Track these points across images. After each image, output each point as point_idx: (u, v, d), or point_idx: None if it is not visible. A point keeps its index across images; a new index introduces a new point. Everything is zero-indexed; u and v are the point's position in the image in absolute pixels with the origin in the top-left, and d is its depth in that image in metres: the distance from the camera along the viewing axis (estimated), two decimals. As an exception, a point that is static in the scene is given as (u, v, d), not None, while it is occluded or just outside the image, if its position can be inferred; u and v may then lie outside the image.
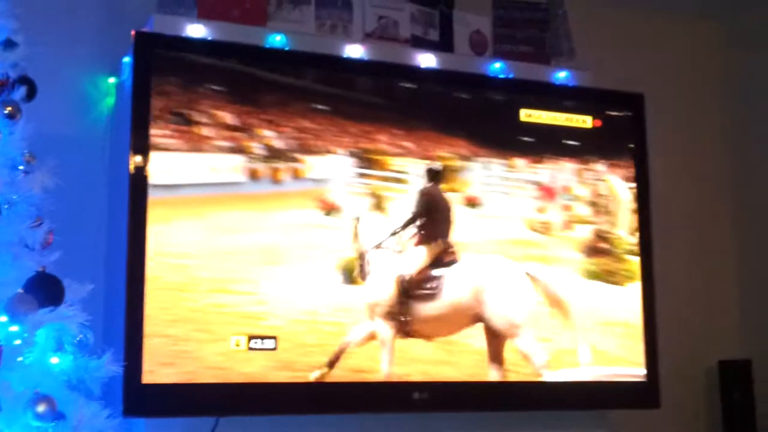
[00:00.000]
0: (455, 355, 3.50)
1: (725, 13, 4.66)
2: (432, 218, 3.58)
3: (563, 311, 3.63)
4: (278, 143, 3.49)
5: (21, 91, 2.56)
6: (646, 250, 3.87)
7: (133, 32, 3.19)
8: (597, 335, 3.73)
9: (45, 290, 2.45)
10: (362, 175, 3.66)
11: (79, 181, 3.19)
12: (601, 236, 3.84)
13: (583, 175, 3.87)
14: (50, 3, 3.34)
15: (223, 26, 3.36)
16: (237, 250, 3.37)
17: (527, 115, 3.81)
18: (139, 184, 3.10)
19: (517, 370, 3.57)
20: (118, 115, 3.37)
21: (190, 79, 3.29)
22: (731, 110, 4.65)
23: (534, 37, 4.00)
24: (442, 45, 3.81)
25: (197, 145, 3.37)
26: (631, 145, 3.94)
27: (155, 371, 3.02)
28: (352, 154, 3.63)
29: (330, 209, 3.57)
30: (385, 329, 3.40)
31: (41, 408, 2.32)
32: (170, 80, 3.22)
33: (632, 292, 3.83)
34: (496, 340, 3.53)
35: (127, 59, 3.25)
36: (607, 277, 3.82)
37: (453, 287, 3.51)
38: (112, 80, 3.40)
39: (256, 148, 3.46)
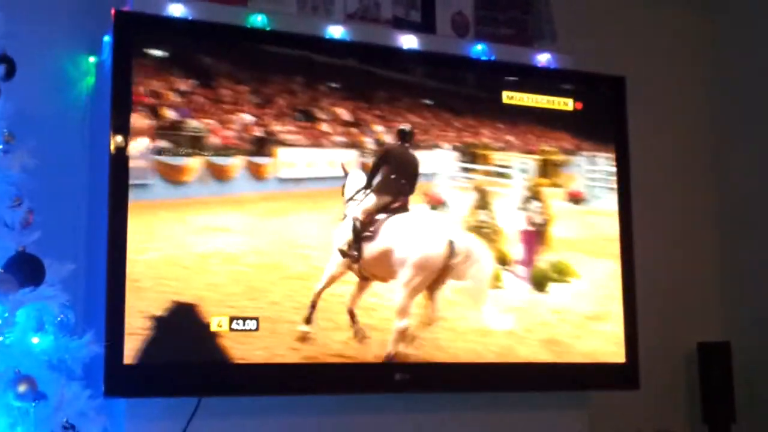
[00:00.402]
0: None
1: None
2: (391, 172, 3.57)
3: (473, 290, 3.61)
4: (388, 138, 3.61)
5: (0, 70, 2.54)
6: (626, 232, 3.89)
7: (113, 11, 3.16)
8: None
9: (25, 270, 2.45)
10: (466, 170, 3.76)
11: (59, 160, 3.18)
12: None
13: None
14: (29, -19, 3.31)
15: (203, 5, 3.33)
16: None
17: (509, 97, 3.81)
18: (119, 163, 3.07)
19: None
20: (97, 95, 3.34)
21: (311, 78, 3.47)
22: (713, 93, 4.67)
23: (516, 19, 4.00)
24: (424, 26, 3.81)
25: (318, 140, 3.50)
26: (612, 128, 3.96)
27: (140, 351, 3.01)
28: (456, 149, 3.72)
29: (436, 203, 3.68)
30: (342, 267, 3.44)
31: (22, 388, 2.32)
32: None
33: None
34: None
35: (107, 38, 3.22)
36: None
37: (386, 233, 3.51)
38: (92, 59, 3.37)
39: (369, 143, 3.58)
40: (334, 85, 3.54)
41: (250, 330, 3.21)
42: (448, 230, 3.60)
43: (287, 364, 3.25)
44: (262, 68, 3.43)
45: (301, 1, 3.58)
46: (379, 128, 3.61)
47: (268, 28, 3.42)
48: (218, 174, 3.34)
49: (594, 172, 3.97)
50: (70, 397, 2.46)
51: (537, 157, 3.88)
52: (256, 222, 3.37)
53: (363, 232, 3.49)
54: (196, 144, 3.28)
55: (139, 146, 3.13)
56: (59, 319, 2.51)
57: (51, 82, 3.32)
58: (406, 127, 3.61)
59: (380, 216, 3.52)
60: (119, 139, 3.08)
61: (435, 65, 3.74)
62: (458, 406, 3.54)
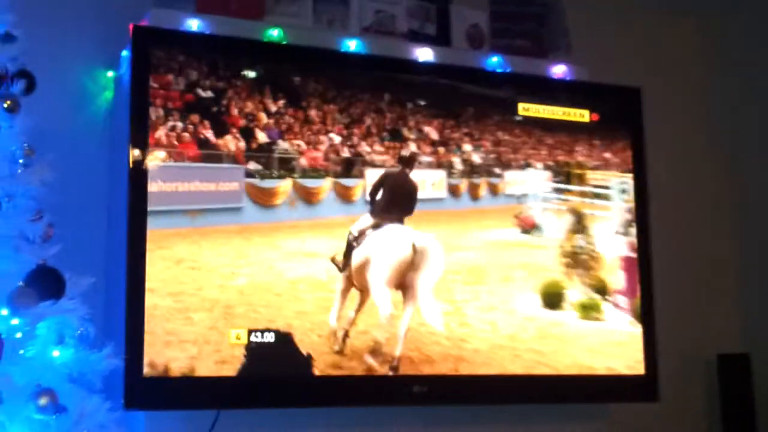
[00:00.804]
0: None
1: (722, 8, 4.66)
2: (388, 197, 3.53)
3: (411, 289, 3.49)
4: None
5: (20, 85, 2.55)
6: (644, 244, 3.87)
7: (131, 26, 3.18)
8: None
9: (46, 283, 2.45)
10: (560, 190, 3.75)
11: (79, 174, 3.21)
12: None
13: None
14: (48, -3, 3.34)
15: (220, 20, 3.35)
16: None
17: (525, 109, 3.81)
18: (138, 177, 3.08)
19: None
20: (116, 109, 3.36)
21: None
22: (729, 104, 4.65)
23: (531, 31, 4.00)
24: (439, 39, 3.81)
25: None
26: (629, 139, 3.95)
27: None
28: (548, 168, 3.72)
29: (529, 227, 3.71)
30: (339, 281, 3.42)
31: (43, 401, 2.32)
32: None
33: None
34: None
35: (125, 53, 3.25)
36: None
37: (366, 244, 3.46)
38: (110, 74, 3.39)
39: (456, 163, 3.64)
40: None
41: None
42: (412, 235, 3.51)
43: (306, 377, 3.24)
44: (282, 82, 3.45)
45: (317, 14, 3.60)
46: (468, 147, 3.65)
47: (284, 42, 3.44)
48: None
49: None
50: (90, 410, 2.46)
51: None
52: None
53: (352, 245, 3.46)
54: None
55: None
56: (79, 332, 2.52)
57: (70, 97, 3.35)
58: (406, 152, 3.59)
59: (368, 231, 3.50)
60: (137, 153, 3.09)
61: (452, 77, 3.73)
62: (476, 418, 3.53)
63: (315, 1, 3.59)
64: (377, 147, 3.53)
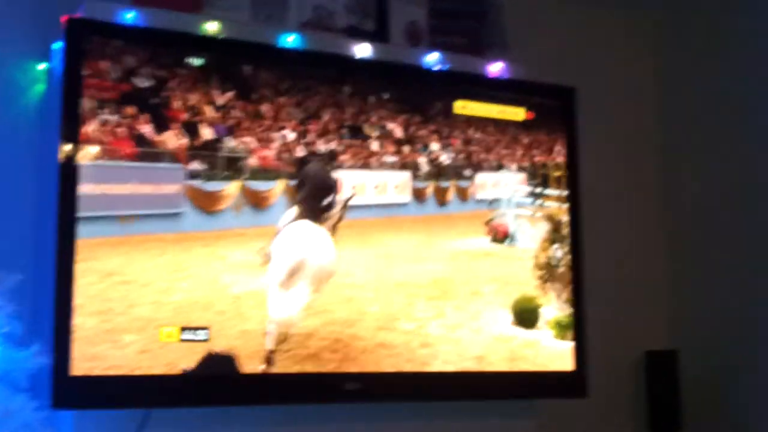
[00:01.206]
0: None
1: (658, 9, 4.72)
2: (308, 191, 3.33)
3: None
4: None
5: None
6: (575, 241, 3.88)
7: (64, 18, 3.11)
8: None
9: (-29, 281, 2.42)
10: (536, 195, 3.51)
11: (7, 168, 3.15)
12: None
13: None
14: (-22, -13, 3.26)
15: (157, 13, 3.28)
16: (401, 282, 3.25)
17: (462, 106, 3.82)
18: (68, 173, 2.97)
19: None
20: (47, 102, 3.29)
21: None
22: (661, 104, 4.72)
23: (469, 29, 4.02)
24: (378, 35, 3.81)
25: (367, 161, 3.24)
26: (562, 138, 3.96)
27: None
28: (522, 169, 3.48)
29: (501, 236, 3.47)
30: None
31: (-34, 401, 2.30)
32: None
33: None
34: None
35: (58, 45, 3.19)
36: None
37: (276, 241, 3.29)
38: (42, 66, 3.33)
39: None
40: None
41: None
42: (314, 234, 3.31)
43: (235, 375, 3.15)
44: (231, 72, 3.28)
45: (255, 8, 3.57)
46: (435, 146, 3.39)
47: (221, 36, 3.39)
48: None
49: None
50: (16, 409, 2.45)
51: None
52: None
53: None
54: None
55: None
56: (5, 329, 2.49)
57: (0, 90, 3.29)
58: (324, 148, 3.40)
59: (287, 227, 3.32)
60: (68, 148, 3.00)
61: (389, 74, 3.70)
62: (405, 414, 3.49)
63: (253, -5, 3.57)
64: (335, 145, 3.31)
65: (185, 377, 3.08)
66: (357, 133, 3.38)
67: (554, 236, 3.56)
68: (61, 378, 2.86)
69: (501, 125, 3.62)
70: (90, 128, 3.01)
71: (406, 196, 3.42)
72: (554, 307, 3.60)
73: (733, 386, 4.23)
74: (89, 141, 3.01)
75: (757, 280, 4.16)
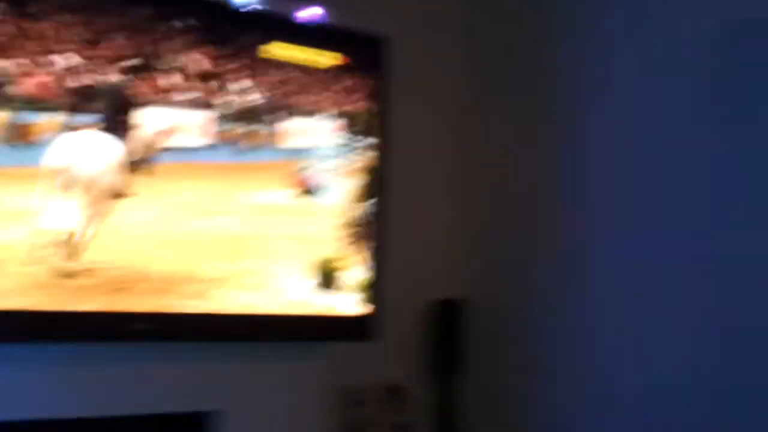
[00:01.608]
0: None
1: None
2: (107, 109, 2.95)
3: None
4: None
5: None
6: (380, 191, 3.82)
7: None
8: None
9: None
10: (352, 144, 3.21)
11: None
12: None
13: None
14: None
15: None
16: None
17: (272, 48, 3.72)
18: None
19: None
20: None
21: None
22: (465, 58, 4.80)
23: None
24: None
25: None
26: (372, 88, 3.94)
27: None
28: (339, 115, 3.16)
29: (307, 190, 3.14)
30: None
31: None
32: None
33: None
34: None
35: None
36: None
37: None
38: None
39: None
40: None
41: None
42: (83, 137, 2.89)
43: (11, 311, 2.79)
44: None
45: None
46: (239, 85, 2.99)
47: None
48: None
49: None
50: None
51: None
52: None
53: None
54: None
55: None
56: None
57: None
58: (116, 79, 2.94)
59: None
60: None
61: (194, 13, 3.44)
62: (183, 356, 3.28)
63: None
64: (125, 75, 2.88)
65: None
66: (152, 62, 3.00)
67: (370, 190, 3.31)
68: None
69: (313, 71, 3.41)
70: None
71: (206, 139, 3.08)
72: (365, 269, 3.41)
73: (513, 335, 4.41)
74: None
75: (546, 234, 4.30)
